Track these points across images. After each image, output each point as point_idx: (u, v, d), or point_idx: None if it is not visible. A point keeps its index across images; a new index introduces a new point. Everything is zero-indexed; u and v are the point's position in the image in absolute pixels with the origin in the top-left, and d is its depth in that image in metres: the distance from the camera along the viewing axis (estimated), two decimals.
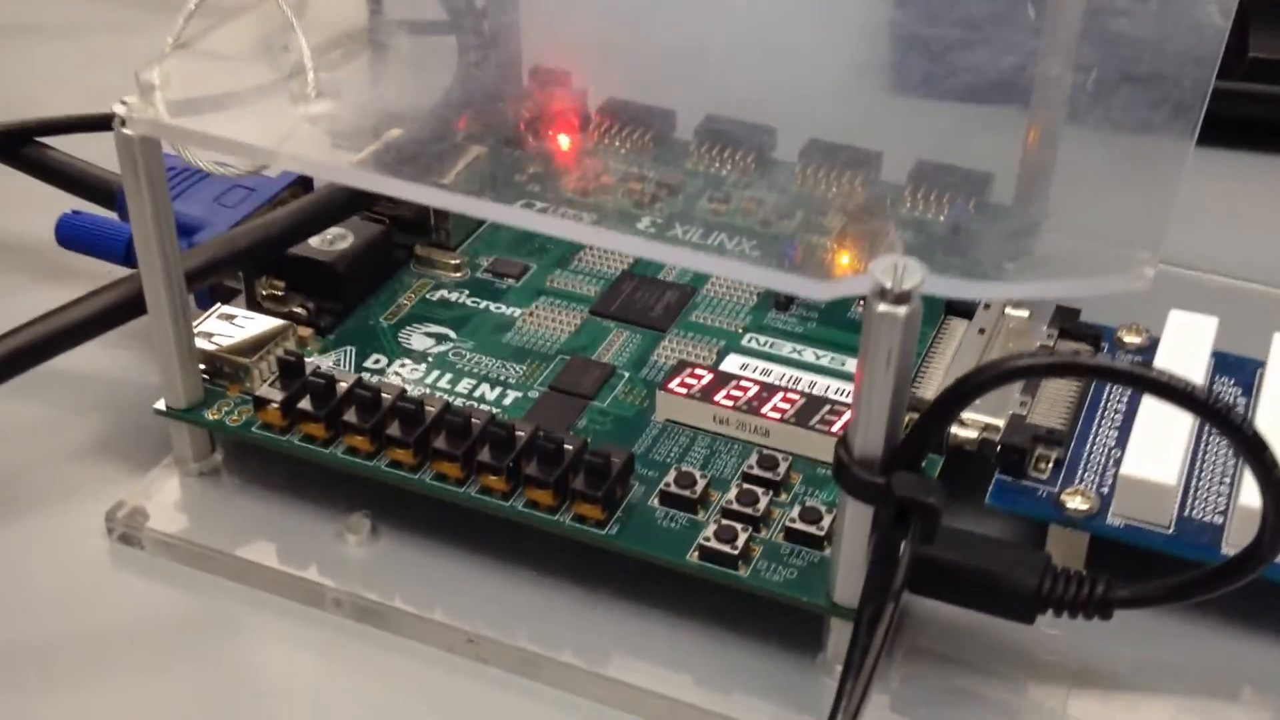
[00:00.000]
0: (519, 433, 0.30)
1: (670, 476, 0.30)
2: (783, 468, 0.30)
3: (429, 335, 0.34)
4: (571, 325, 0.35)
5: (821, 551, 0.29)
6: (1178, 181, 0.26)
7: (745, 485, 0.30)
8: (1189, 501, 0.30)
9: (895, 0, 0.37)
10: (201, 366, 0.32)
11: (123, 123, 0.28)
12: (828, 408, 0.31)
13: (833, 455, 0.26)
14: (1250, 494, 0.28)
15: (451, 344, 0.34)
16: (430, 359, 0.33)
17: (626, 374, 0.33)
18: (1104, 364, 0.23)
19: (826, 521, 0.29)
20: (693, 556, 0.29)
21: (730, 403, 0.31)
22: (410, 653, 0.29)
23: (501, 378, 0.33)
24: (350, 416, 0.30)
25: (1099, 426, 0.31)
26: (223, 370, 0.32)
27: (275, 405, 0.31)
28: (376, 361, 0.33)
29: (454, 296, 0.36)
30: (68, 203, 0.38)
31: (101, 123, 0.35)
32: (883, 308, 0.23)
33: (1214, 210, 0.41)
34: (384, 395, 0.31)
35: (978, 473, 0.30)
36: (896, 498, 0.24)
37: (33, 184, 0.39)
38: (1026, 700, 0.28)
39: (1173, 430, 0.30)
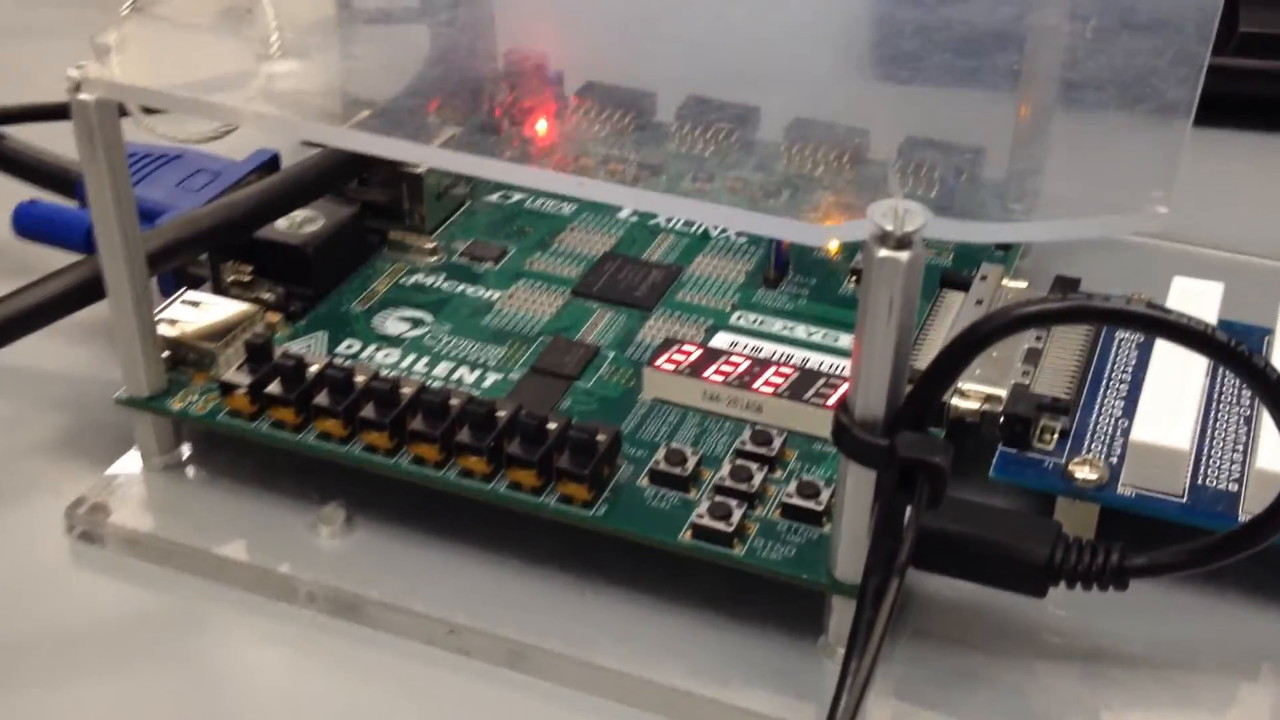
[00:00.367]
0: (500, 412, 0.28)
1: (660, 454, 0.29)
2: (777, 443, 0.29)
3: (404, 320, 0.33)
4: (553, 307, 0.33)
5: (820, 528, 0.27)
6: (1187, 122, 0.25)
7: (739, 461, 0.28)
8: (1202, 468, 0.28)
9: None
10: (166, 354, 0.31)
11: (77, 87, 0.27)
12: (822, 381, 0.30)
13: (831, 423, 0.24)
14: (1267, 457, 0.27)
15: (428, 328, 0.33)
16: (405, 343, 0.32)
17: (611, 354, 0.32)
18: (1119, 308, 0.22)
19: (825, 496, 0.28)
20: (685, 536, 0.27)
21: (721, 378, 0.30)
22: (388, 647, 0.28)
23: (481, 360, 0.32)
24: (322, 400, 0.29)
25: (1104, 395, 0.30)
26: (188, 358, 0.31)
27: (243, 390, 0.30)
28: (350, 347, 0.32)
29: (430, 281, 0.34)
30: (26, 193, 0.37)
31: (60, 110, 0.33)
32: (883, 253, 0.22)
33: (1204, 188, 0.40)
34: (357, 377, 0.29)
35: (979, 448, 0.29)
36: (900, 459, 0.23)
37: None
38: (1037, 683, 0.27)
39: (1184, 395, 0.29)
